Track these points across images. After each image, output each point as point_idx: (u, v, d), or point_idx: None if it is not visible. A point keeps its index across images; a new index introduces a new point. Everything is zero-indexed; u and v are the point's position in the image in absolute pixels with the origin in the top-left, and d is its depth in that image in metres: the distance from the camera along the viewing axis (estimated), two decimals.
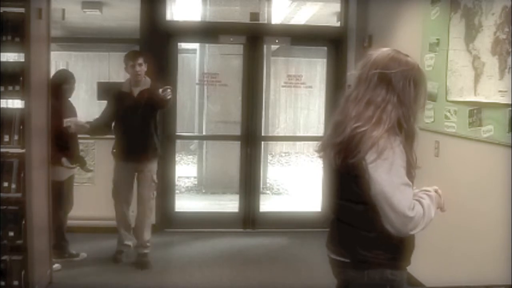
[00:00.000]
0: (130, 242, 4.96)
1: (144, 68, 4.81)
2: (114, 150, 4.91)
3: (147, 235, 4.91)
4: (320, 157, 2.16)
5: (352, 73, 2.11)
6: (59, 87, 4.68)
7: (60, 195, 4.67)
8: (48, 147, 4.24)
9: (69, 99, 4.89)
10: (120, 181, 4.90)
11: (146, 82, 4.86)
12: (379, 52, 2.05)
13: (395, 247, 2.01)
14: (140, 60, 4.78)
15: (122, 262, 4.88)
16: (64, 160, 4.68)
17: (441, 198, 2.09)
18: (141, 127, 4.80)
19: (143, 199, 4.92)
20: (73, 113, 4.88)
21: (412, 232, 1.94)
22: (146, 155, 4.84)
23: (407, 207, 1.90)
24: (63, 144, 4.64)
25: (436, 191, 2.09)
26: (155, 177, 4.94)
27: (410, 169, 1.98)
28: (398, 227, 1.91)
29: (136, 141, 4.80)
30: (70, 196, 4.92)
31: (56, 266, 4.58)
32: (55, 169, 4.52)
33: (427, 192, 2.05)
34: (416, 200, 1.97)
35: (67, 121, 4.66)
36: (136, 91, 4.82)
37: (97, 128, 4.90)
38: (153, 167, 4.93)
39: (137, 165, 4.85)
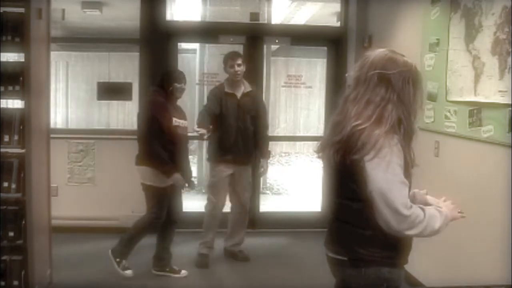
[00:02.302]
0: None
1: (243, 68, 4.88)
2: (209, 153, 5.01)
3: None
4: (319, 157, 2.17)
5: (350, 74, 2.12)
6: (170, 86, 4.48)
7: (162, 202, 4.48)
8: (48, 147, 4.24)
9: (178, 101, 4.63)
10: (219, 184, 4.96)
11: (246, 84, 4.95)
12: (376, 53, 2.07)
13: (392, 245, 2.02)
14: (240, 61, 4.87)
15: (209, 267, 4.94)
16: (176, 176, 4.41)
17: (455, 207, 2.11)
18: (242, 129, 4.88)
19: (241, 201, 5.05)
20: (182, 115, 4.61)
21: (407, 233, 1.94)
22: (244, 157, 4.93)
23: (401, 205, 1.90)
24: (173, 150, 4.43)
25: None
26: (250, 179, 5.11)
27: (408, 168, 1.99)
28: (391, 224, 1.92)
29: (238, 143, 4.87)
30: (165, 205, 4.57)
31: (128, 272, 4.55)
32: (158, 174, 4.40)
33: (438, 208, 2.04)
34: (420, 207, 1.98)
35: None
36: (238, 93, 4.90)
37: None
38: (249, 169, 5.06)
39: (235, 167, 4.93)
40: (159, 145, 4.36)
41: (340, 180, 2.07)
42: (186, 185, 4.65)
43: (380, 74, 2.00)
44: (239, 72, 4.86)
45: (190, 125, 4.74)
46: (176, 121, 4.46)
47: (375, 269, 2.03)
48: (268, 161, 5.14)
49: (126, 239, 4.54)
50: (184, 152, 4.63)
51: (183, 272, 4.72)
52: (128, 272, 4.54)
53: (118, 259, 4.51)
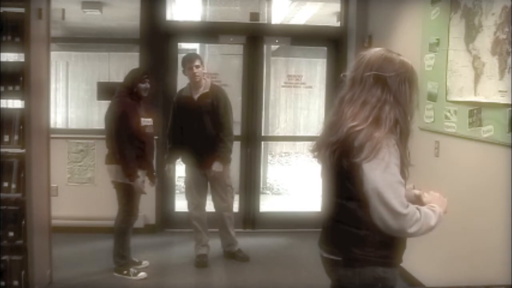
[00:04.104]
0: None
1: (201, 70, 4.86)
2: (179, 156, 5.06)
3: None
4: (314, 157, 2.18)
5: (345, 74, 2.11)
6: (135, 87, 4.48)
7: (134, 198, 4.52)
8: (48, 147, 4.24)
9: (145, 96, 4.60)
10: (192, 185, 5.00)
11: (206, 84, 4.90)
12: (372, 53, 2.06)
13: (386, 245, 2.01)
14: (197, 62, 4.83)
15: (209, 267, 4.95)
16: (138, 182, 4.45)
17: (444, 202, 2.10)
18: (203, 131, 4.84)
19: (218, 202, 5.04)
20: (149, 113, 4.62)
21: (406, 231, 1.93)
22: (210, 159, 4.84)
23: (399, 204, 1.90)
24: (142, 148, 4.50)
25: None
26: (228, 180, 5.02)
27: (403, 168, 1.99)
28: (389, 223, 1.91)
29: (199, 146, 4.84)
30: (137, 202, 4.65)
31: (141, 274, 4.58)
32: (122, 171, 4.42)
33: (431, 207, 2.04)
34: (415, 206, 1.98)
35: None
36: (196, 95, 4.86)
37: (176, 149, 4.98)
38: (225, 170, 4.93)
39: (205, 170, 4.90)
40: (128, 145, 4.39)
41: (336, 180, 2.07)
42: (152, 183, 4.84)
43: (376, 75, 1.99)
44: (197, 74, 4.81)
45: None
46: (144, 120, 4.51)
47: (369, 269, 2.02)
48: (222, 165, 4.85)
49: (116, 251, 4.60)
50: (151, 150, 4.70)
51: (145, 263, 4.82)
52: (142, 275, 4.60)
53: (125, 272, 4.57)
